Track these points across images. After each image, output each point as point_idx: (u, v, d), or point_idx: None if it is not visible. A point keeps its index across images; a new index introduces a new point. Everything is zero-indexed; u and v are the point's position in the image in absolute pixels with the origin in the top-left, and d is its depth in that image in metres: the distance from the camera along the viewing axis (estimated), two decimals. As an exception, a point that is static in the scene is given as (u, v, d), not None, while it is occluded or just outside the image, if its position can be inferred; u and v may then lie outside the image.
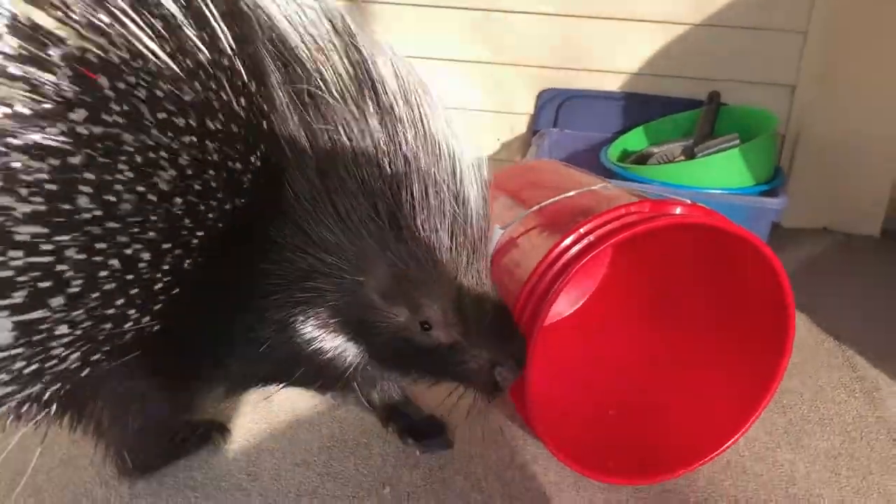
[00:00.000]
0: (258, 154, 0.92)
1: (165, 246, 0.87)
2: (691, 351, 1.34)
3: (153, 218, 0.84)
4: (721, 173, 1.76)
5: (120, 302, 0.87)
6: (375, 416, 1.33)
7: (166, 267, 0.89)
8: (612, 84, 2.19)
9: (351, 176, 0.92)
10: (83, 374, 0.91)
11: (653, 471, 1.21)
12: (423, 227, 0.94)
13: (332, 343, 1.04)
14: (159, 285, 0.90)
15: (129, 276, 0.86)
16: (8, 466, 1.20)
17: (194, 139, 0.86)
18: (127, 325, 0.89)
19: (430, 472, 1.24)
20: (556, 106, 2.21)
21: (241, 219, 0.93)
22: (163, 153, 0.83)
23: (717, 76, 2.09)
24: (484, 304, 1.01)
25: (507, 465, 1.26)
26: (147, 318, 0.91)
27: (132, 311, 0.89)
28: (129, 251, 0.84)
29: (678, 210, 1.12)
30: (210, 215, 0.90)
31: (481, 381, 1.04)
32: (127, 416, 1.07)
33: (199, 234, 0.90)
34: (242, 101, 0.89)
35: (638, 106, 2.15)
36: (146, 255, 0.86)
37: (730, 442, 1.22)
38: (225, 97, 0.88)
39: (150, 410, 1.08)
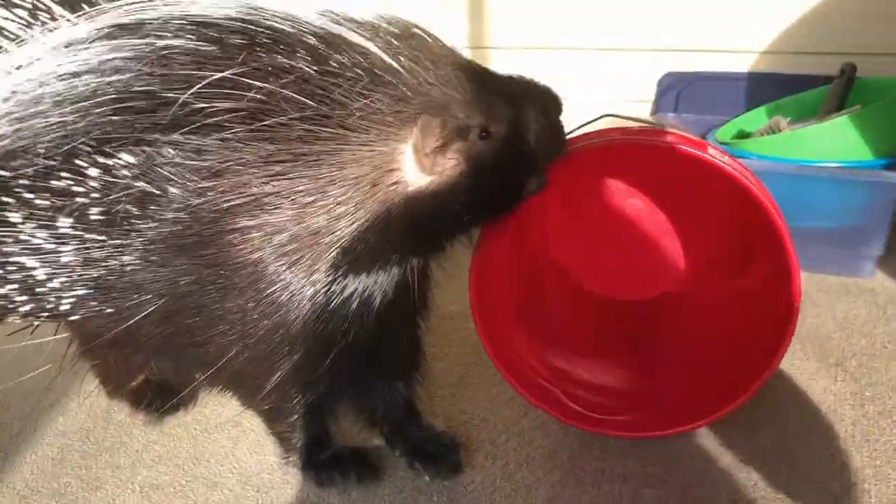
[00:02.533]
0: None
1: None
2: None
3: None
4: (831, 144, 1.53)
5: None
6: (378, 436, 1.17)
7: None
8: (740, 65, 2.00)
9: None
10: None
11: (658, 425, 1.12)
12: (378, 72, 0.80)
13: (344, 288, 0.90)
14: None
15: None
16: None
17: None
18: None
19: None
20: (677, 91, 2.06)
21: None
22: None
23: (857, 49, 1.83)
24: (490, 76, 0.89)
25: (506, 427, 1.18)
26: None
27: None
28: None
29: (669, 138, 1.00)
30: None
31: (548, 148, 0.93)
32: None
33: None
34: None
35: (766, 86, 1.93)
36: None
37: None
38: None
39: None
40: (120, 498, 1.11)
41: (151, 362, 1.13)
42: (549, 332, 1.26)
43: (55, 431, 1.26)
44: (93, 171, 0.84)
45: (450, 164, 0.86)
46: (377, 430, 1.16)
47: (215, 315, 0.91)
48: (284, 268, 0.86)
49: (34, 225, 0.87)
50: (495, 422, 1.20)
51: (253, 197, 0.82)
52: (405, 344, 1.07)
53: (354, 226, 0.84)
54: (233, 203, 0.82)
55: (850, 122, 1.52)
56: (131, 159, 0.83)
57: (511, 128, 0.89)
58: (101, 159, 0.84)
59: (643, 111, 2.16)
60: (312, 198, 0.83)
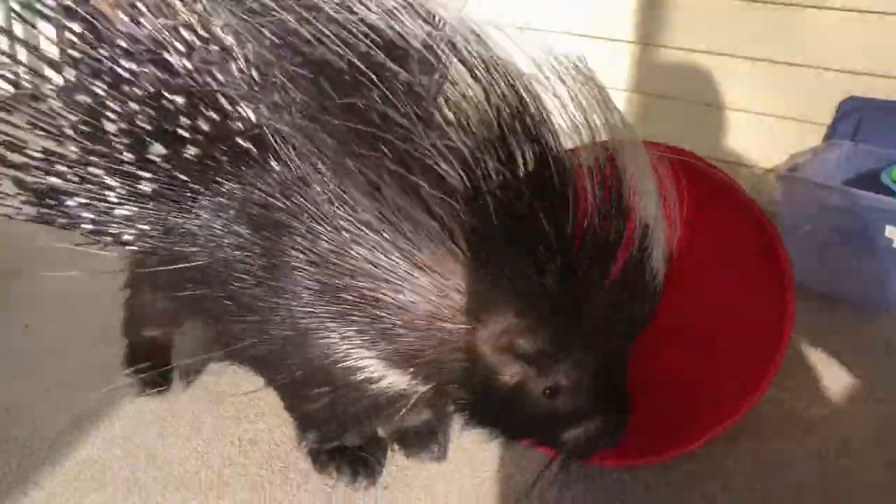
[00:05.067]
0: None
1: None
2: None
3: None
4: None
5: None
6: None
7: None
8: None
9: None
10: None
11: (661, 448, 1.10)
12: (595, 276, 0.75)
13: (378, 372, 0.87)
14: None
15: None
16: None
17: None
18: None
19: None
20: (857, 118, 1.90)
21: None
22: None
23: None
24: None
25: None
26: None
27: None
28: None
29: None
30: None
31: (577, 449, 0.88)
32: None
33: None
34: None
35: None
36: None
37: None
38: None
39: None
40: (217, 448, 1.17)
41: (180, 315, 1.12)
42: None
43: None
44: (210, 112, 0.84)
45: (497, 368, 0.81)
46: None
47: (243, 299, 0.90)
48: (315, 298, 0.84)
49: (127, 141, 0.86)
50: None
51: (322, 219, 0.80)
52: None
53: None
54: (304, 211, 0.81)
55: None
56: (251, 116, 0.83)
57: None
58: (224, 103, 0.83)
59: (817, 134, 2.01)
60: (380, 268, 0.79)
